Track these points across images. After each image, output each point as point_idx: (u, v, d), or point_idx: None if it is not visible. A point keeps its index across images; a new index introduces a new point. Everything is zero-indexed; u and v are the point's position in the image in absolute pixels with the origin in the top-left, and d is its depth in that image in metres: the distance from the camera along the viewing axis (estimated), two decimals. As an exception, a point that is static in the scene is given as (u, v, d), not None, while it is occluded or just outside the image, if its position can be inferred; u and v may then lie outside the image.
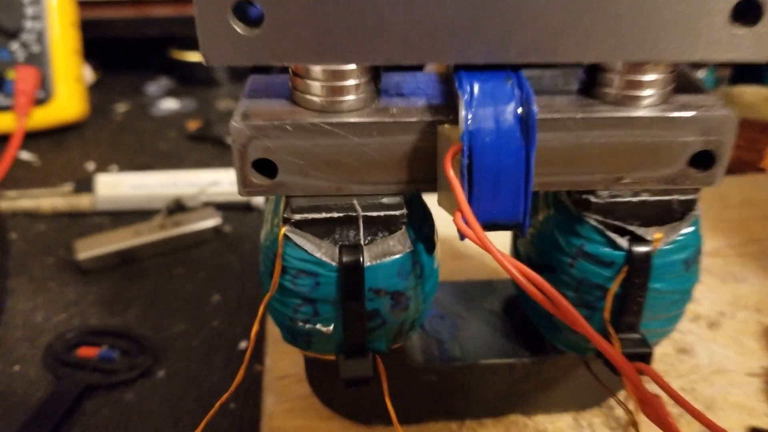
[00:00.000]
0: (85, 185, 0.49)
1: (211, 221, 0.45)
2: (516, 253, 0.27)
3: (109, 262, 0.42)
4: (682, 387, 0.29)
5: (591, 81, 0.22)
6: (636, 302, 0.23)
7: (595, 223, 0.22)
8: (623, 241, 0.22)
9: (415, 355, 0.26)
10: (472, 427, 0.28)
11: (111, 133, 0.63)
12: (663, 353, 0.31)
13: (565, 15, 0.19)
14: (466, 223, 0.19)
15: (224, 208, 0.48)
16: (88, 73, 0.70)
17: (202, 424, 0.24)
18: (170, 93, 0.71)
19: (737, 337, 0.32)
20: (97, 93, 0.70)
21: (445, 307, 0.29)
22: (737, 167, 0.48)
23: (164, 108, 0.67)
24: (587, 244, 0.23)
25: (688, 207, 0.23)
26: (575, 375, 0.27)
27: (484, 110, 0.19)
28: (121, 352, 0.35)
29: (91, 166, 0.56)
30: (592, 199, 0.22)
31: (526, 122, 0.19)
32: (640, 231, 0.22)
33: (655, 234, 0.22)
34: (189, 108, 0.67)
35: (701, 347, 0.31)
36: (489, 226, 0.21)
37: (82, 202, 0.48)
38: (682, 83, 0.22)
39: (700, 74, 0.53)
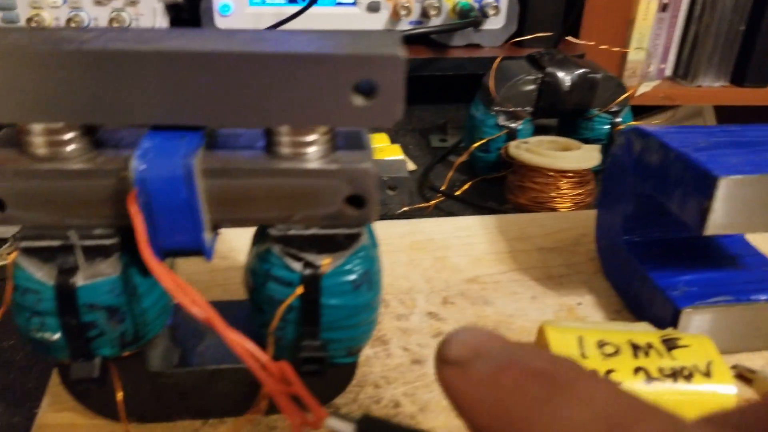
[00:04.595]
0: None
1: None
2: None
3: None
4: (405, 392, 0.35)
5: (269, 141, 0.27)
6: (311, 315, 0.28)
7: (277, 251, 0.28)
8: (298, 266, 0.28)
9: (154, 361, 0.31)
10: (214, 425, 0.33)
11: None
12: (399, 363, 0.37)
13: (220, 95, 0.25)
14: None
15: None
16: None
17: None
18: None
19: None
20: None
21: (195, 321, 0.34)
22: (534, 206, 0.55)
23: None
24: (273, 268, 0.28)
25: (352, 239, 0.28)
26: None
27: (153, 161, 0.25)
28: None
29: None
30: (272, 232, 0.28)
31: (188, 171, 0.25)
32: (310, 258, 0.28)
33: (324, 260, 0.28)
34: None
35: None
36: (176, 252, 0.27)
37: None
38: (353, 141, 0.28)
39: (514, 124, 0.60)
